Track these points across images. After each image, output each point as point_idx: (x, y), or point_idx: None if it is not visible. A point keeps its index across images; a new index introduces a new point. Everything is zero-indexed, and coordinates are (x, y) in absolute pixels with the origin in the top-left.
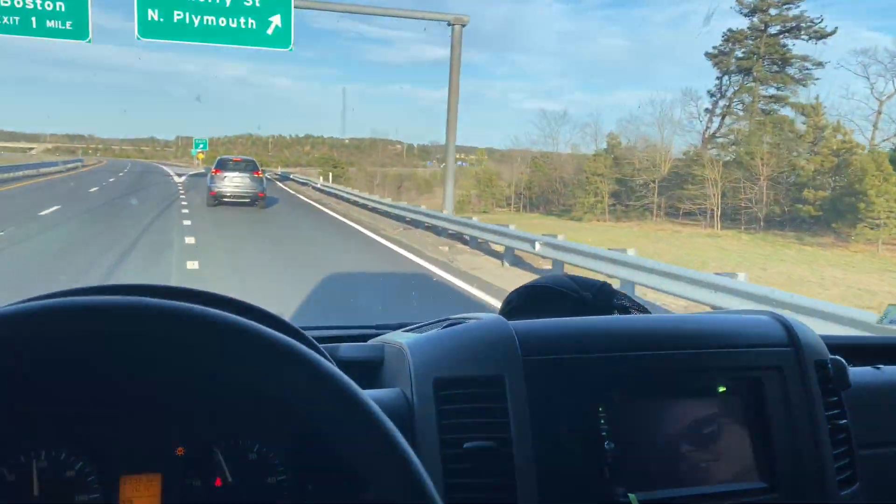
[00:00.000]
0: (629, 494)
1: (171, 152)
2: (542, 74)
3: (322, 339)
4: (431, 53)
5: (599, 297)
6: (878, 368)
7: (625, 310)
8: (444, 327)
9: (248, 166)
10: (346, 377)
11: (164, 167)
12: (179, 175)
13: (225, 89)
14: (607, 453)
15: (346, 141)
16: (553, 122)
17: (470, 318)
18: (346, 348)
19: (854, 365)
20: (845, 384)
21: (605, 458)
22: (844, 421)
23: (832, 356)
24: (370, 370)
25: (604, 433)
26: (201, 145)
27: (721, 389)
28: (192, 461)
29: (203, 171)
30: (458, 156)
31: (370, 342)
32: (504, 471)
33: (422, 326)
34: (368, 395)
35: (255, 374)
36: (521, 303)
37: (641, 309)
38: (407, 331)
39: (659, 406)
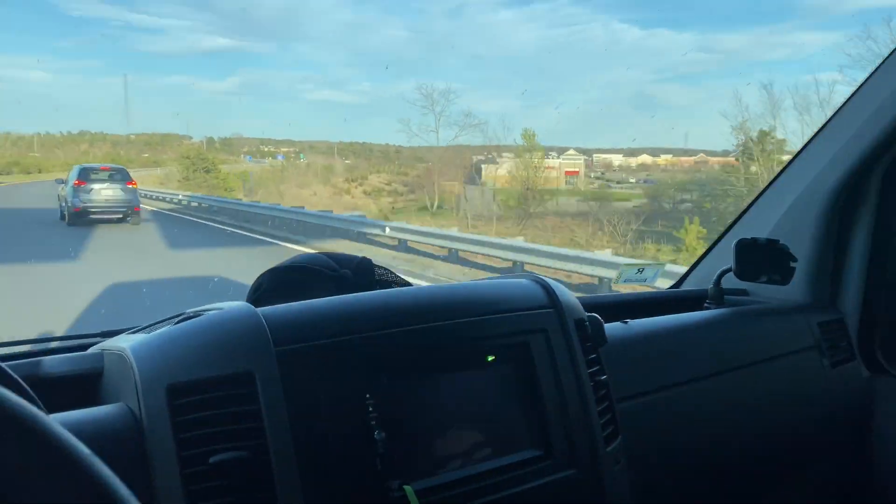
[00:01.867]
0: (404, 487)
1: None
2: (329, 65)
3: (26, 356)
4: (210, 43)
5: (359, 273)
6: (626, 323)
7: (387, 284)
8: (178, 322)
9: (119, 176)
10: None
11: None
12: None
13: None
14: (378, 444)
15: (133, 137)
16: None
17: (211, 309)
18: (50, 362)
19: (605, 321)
20: (602, 340)
21: (376, 449)
22: (604, 377)
23: (589, 314)
24: (86, 386)
25: (373, 422)
26: None
27: (490, 358)
28: None
29: None
30: (270, 149)
31: (88, 351)
32: (262, 483)
33: (152, 325)
34: (80, 414)
35: None
36: (272, 286)
37: (403, 283)
38: (134, 332)
39: (430, 384)
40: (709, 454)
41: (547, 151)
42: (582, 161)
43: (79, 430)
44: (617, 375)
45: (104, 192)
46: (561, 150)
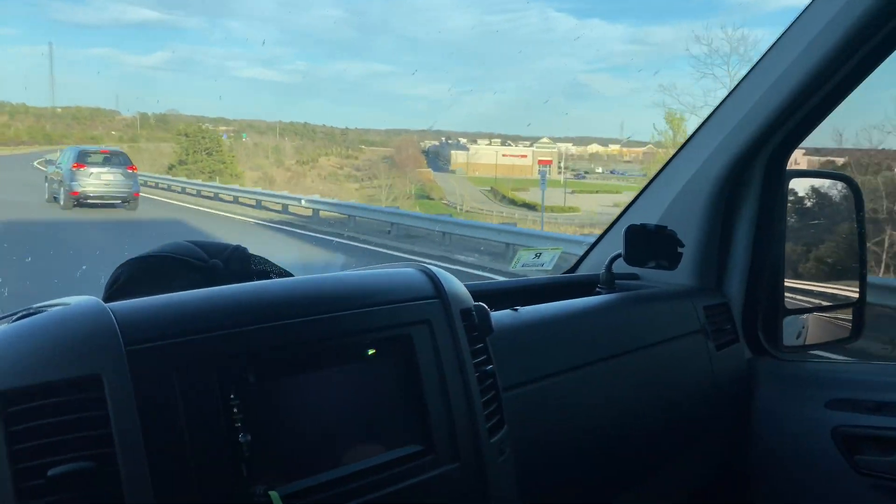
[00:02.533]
0: (269, 492)
1: None
2: (260, 43)
3: None
4: (135, 15)
5: (232, 263)
6: (516, 310)
7: (265, 275)
8: (17, 320)
9: (119, 160)
10: None
11: None
12: None
13: None
14: (243, 446)
15: (59, 110)
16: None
17: (55, 305)
18: None
19: (494, 309)
20: (489, 329)
21: (241, 453)
22: (490, 367)
23: (476, 303)
24: None
25: (238, 424)
26: None
27: (371, 352)
28: None
29: None
30: (208, 126)
31: None
32: (109, 496)
33: None
34: None
35: None
36: (131, 279)
37: (283, 274)
38: None
39: (304, 381)
40: (598, 439)
41: (482, 137)
42: (556, 150)
43: None
44: (505, 364)
45: (104, 177)
46: (492, 137)
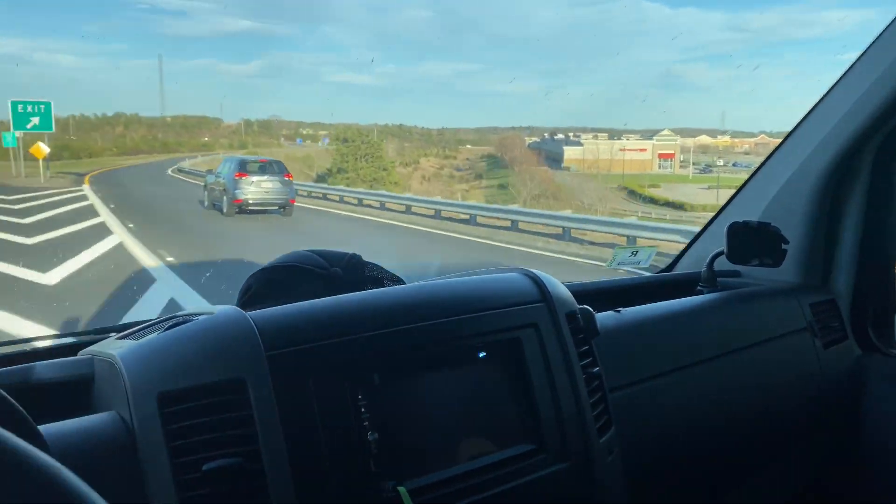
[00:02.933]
0: (398, 488)
1: None
2: (351, 47)
3: (15, 358)
4: (234, 25)
5: (350, 270)
6: (619, 311)
7: (378, 282)
8: (168, 328)
9: (277, 168)
10: None
11: None
12: None
13: None
14: (371, 445)
15: (169, 119)
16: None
17: (200, 314)
18: (42, 368)
19: (596, 310)
20: (594, 332)
21: (369, 450)
22: (597, 369)
23: (581, 306)
24: (77, 392)
25: (366, 423)
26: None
27: (481, 355)
28: None
29: None
30: (308, 132)
31: (78, 355)
32: (255, 489)
33: (142, 329)
34: (72, 424)
35: None
36: (261, 288)
37: (394, 278)
38: (123, 336)
39: (421, 383)
40: (704, 439)
41: (576, 132)
42: (678, 142)
43: (71, 440)
44: (610, 365)
45: (264, 185)
46: (581, 132)
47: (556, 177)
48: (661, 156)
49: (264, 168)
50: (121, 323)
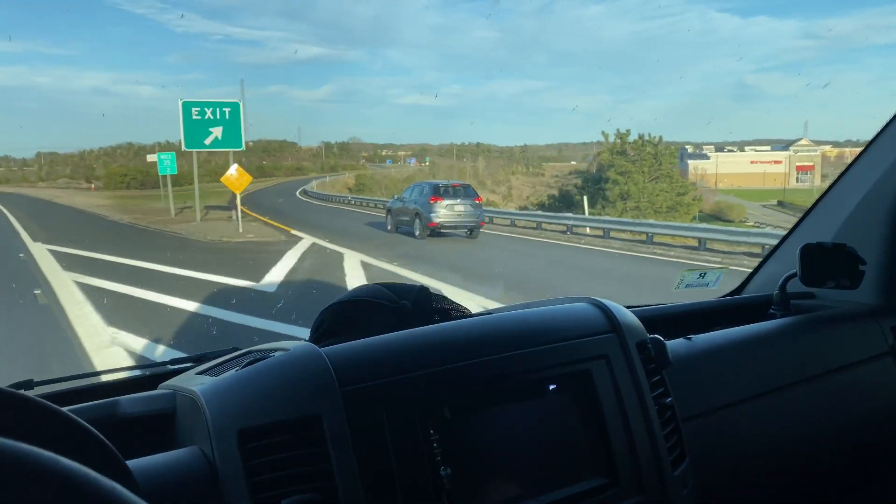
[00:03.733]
0: None
1: (33, 172)
2: (417, 69)
3: (98, 391)
4: (305, 52)
5: (419, 303)
6: (690, 339)
7: (445, 313)
8: (245, 365)
9: (468, 192)
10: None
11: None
12: None
13: (84, 101)
14: (444, 480)
15: (251, 144)
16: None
17: (275, 350)
18: (127, 402)
19: (666, 336)
20: (666, 362)
21: (442, 485)
22: (669, 399)
23: (651, 336)
24: (160, 425)
25: (438, 458)
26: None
27: (552, 387)
28: None
29: None
30: (388, 153)
31: (159, 388)
32: None
33: (221, 364)
34: (158, 460)
35: None
36: (333, 323)
37: (462, 310)
38: (202, 371)
39: (492, 416)
40: (780, 470)
41: (666, 144)
42: (819, 154)
43: (157, 476)
44: (682, 394)
45: (457, 208)
46: (669, 144)
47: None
48: (799, 168)
49: (457, 192)
50: (196, 354)
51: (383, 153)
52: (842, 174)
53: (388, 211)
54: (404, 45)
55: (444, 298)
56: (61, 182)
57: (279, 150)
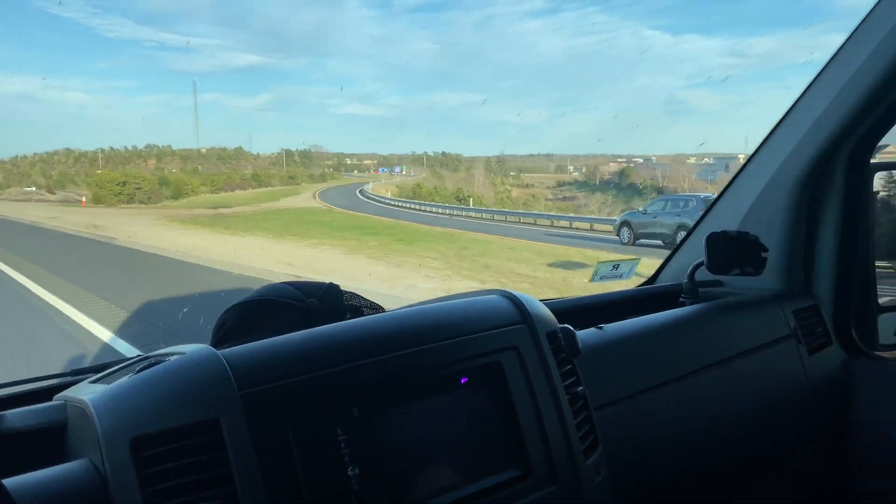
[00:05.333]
0: None
1: None
2: (358, 79)
3: None
4: (241, 60)
5: (327, 301)
6: (601, 328)
7: (357, 310)
8: (140, 370)
9: (696, 203)
10: None
11: None
12: None
13: (11, 107)
14: (353, 480)
15: (204, 151)
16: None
17: (172, 354)
18: (13, 416)
19: (579, 327)
20: (576, 351)
21: (350, 486)
22: (581, 388)
23: (561, 325)
24: (51, 439)
25: (346, 458)
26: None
27: (462, 381)
28: None
29: None
30: (353, 162)
31: (53, 400)
32: None
33: (115, 371)
34: (43, 475)
35: None
36: (235, 324)
37: (375, 307)
38: (96, 380)
39: (402, 413)
40: (693, 453)
41: (580, 159)
42: None
43: (42, 491)
44: (595, 383)
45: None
46: (585, 159)
47: None
48: None
49: (687, 203)
50: (99, 363)
51: (348, 162)
52: (745, 164)
53: (624, 224)
54: (344, 55)
55: (357, 296)
56: (13, 193)
57: (234, 157)
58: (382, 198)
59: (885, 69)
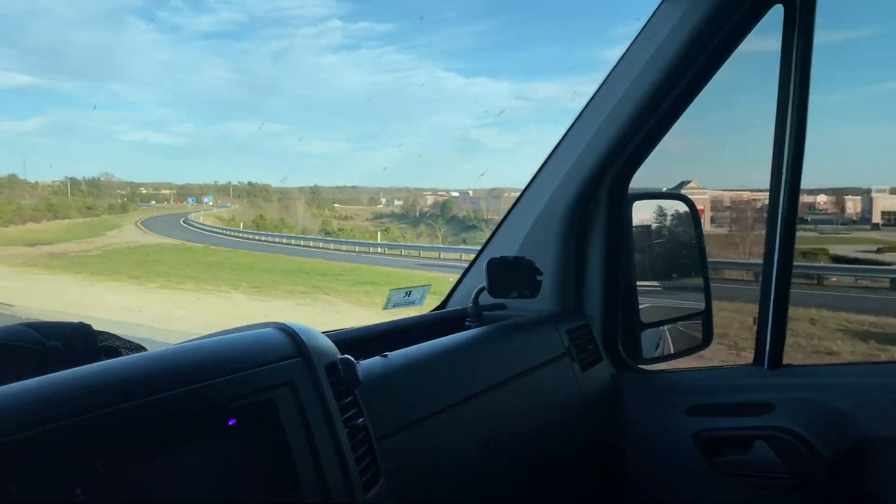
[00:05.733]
0: None
1: None
2: (146, 105)
3: None
4: (9, 80)
5: (75, 342)
6: (385, 356)
7: (113, 352)
8: None
9: None
10: None
11: None
12: None
13: None
14: None
15: None
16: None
17: None
18: None
19: (366, 357)
20: (356, 382)
21: None
22: (361, 420)
23: (341, 356)
24: None
25: None
26: None
27: (231, 423)
28: None
29: None
30: (149, 191)
31: None
32: None
33: None
34: None
35: None
36: None
37: (134, 347)
38: None
39: (161, 464)
40: (480, 475)
41: (388, 191)
42: (707, 196)
43: None
44: (379, 412)
45: None
46: (393, 192)
47: None
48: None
49: None
50: None
51: (143, 192)
52: (521, 194)
53: None
54: (130, 79)
55: (114, 336)
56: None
57: (8, 185)
58: (225, 229)
59: (631, 114)
